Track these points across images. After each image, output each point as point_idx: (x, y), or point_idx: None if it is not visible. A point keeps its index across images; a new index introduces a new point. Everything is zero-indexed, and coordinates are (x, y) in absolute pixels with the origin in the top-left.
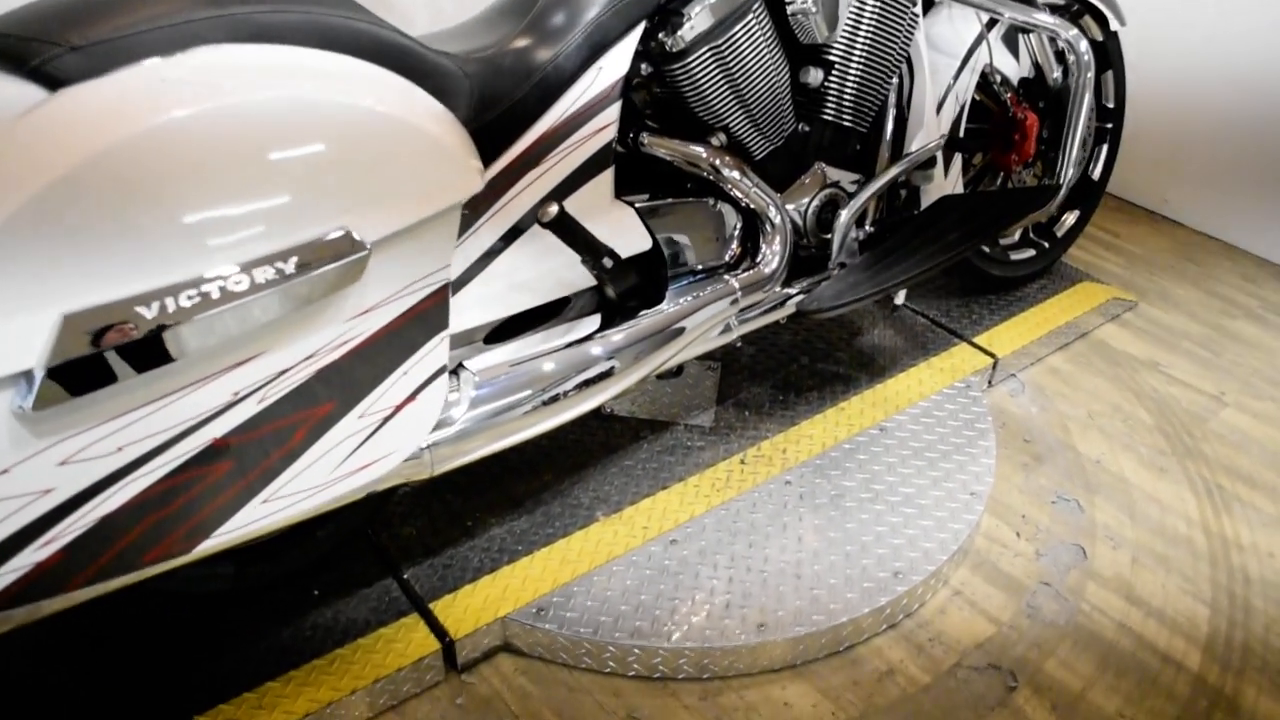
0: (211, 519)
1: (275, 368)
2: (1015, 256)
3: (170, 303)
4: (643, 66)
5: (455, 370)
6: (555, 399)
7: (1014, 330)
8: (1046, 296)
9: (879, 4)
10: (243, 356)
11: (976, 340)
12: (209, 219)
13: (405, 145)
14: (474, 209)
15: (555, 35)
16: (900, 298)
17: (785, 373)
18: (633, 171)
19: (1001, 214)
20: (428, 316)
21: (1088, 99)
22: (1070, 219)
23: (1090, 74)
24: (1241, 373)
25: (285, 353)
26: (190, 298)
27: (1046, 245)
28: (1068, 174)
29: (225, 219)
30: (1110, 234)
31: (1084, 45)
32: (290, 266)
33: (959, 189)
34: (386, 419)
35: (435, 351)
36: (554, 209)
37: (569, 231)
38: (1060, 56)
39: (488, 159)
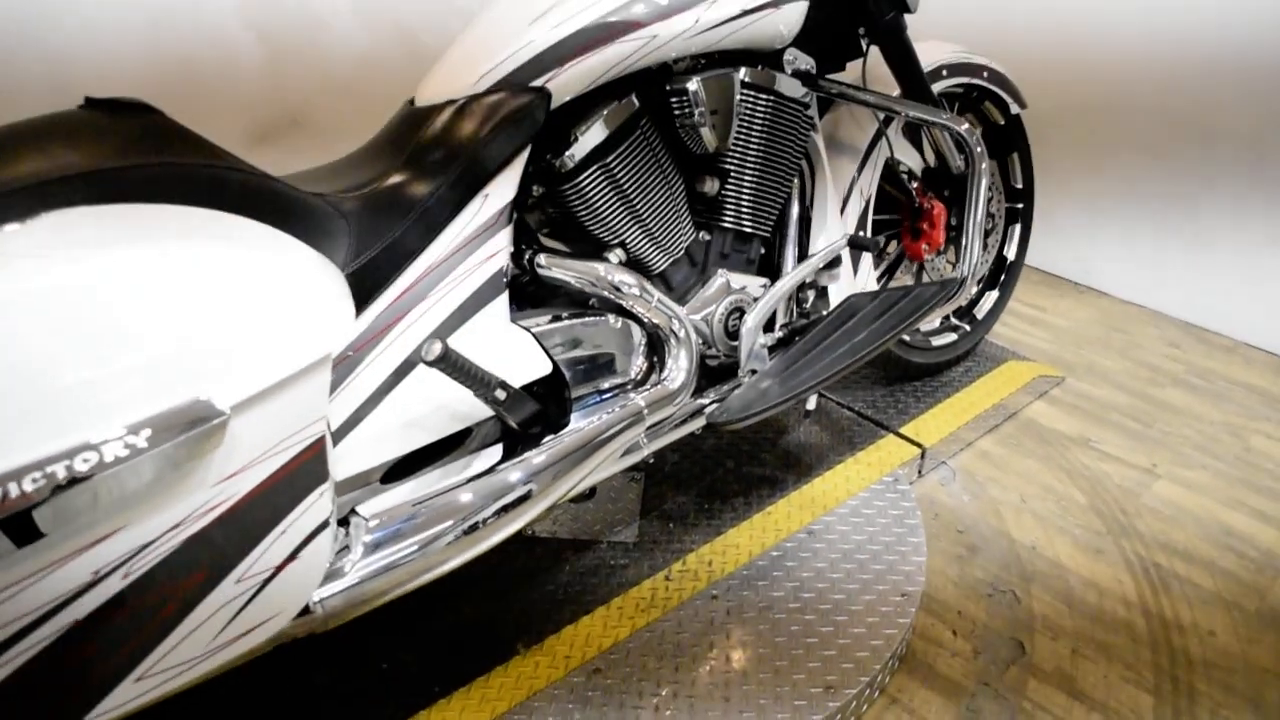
0: (79, 704)
1: (137, 542)
2: (937, 342)
3: (14, 488)
4: (534, 188)
5: (347, 518)
6: (454, 537)
7: (942, 417)
8: (973, 379)
9: (771, 111)
10: (101, 534)
11: (903, 430)
12: (52, 399)
13: (266, 301)
14: (358, 349)
15: (436, 167)
16: (812, 403)
17: (710, 479)
18: (532, 292)
19: (909, 310)
20: (304, 471)
21: (983, 190)
22: (990, 300)
23: (984, 165)
24: (1172, 442)
25: (147, 525)
26: (34, 480)
27: (968, 328)
28: (971, 265)
29: (71, 397)
30: (1036, 308)
31: (975, 138)
32: (142, 440)
33: (871, 284)
34: (266, 581)
35: (316, 506)
36: (438, 346)
37: (456, 367)
38: (960, 145)
39: (369, 298)
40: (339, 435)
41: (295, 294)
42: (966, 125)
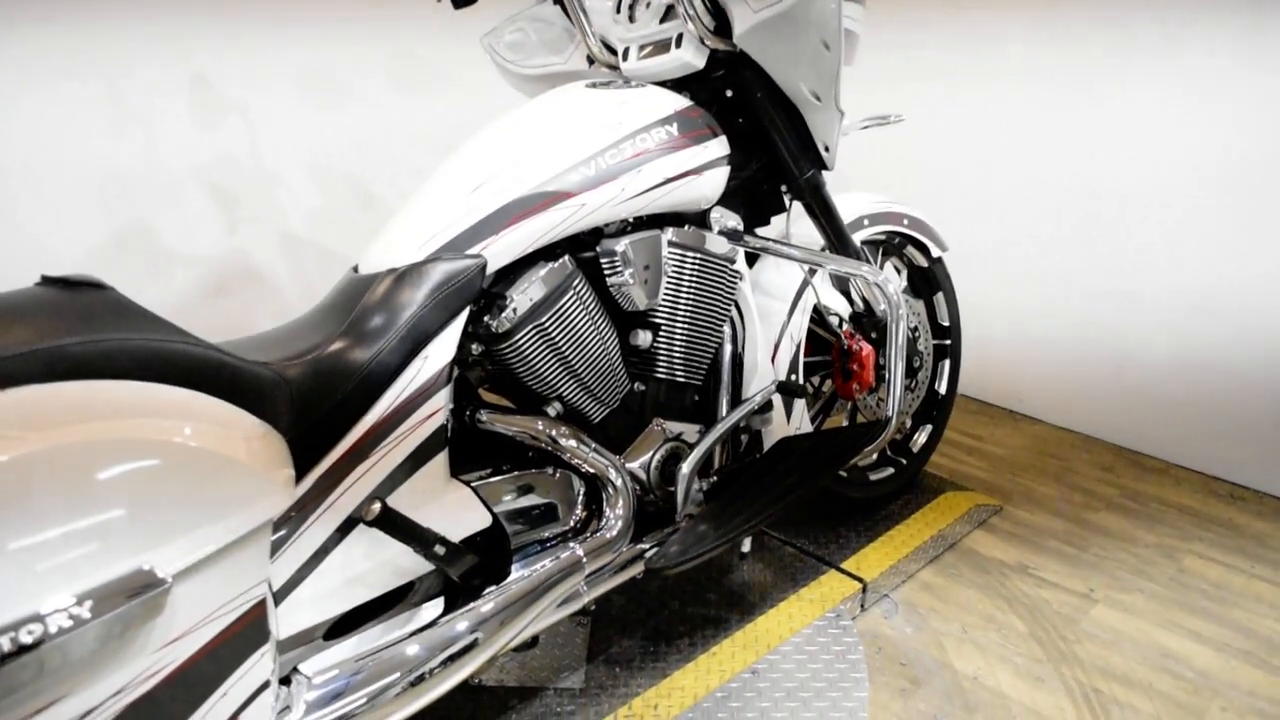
0: None
1: (79, 709)
2: (874, 477)
3: None
4: (473, 347)
5: (289, 677)
6: (398, 691)
7: (883, 550)
8: (912, 511)
9: (698, 268)
10: (43, 703)
11: (845, 565)
12: None
13: (208, 470)
14: (301, 510)
15: (376, 332)
16: (747, 545)
17: (656, 620)
18: (475, 446)
19: (837, 452)
20: (245, 634)
21: (903, 335)
22: (924, 434)
23: (902, 311)
24: (1108, 565)
25: (90, 693)
26: None
27: (904, 461)
28: (895, 407)
29: (16, 569)
30: (972, 438)
31: (892, 287)
32: (86, 610)
33: (805, 425)
34: None
35: (258, 667)
36: (377, 507)
37: (396, 526)
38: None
39: (311, 461)
40: (281, 594)
41: (236, 463)
42: (883, 275)
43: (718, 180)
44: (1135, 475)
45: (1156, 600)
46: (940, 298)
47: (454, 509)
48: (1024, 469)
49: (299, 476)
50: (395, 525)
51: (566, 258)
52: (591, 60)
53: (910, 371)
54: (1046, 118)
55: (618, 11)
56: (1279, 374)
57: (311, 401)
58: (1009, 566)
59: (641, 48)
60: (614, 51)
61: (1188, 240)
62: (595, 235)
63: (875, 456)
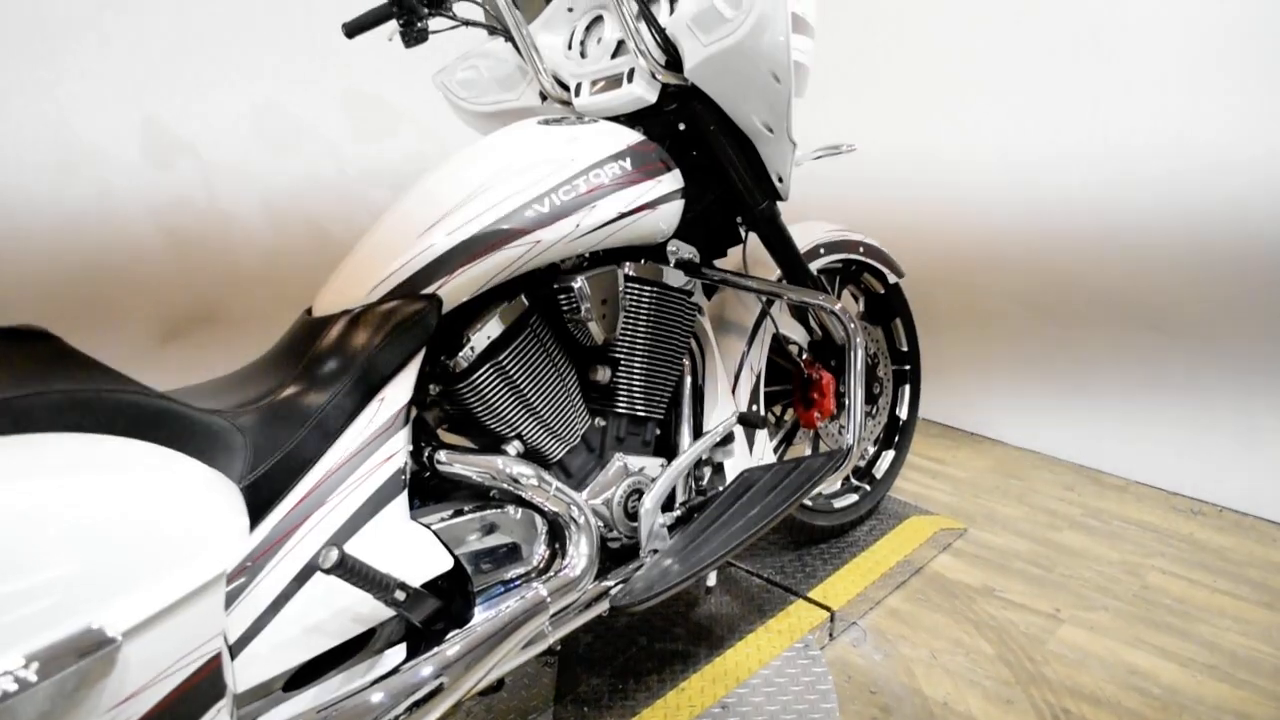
0: None
1: None
2: (839, 504)
3: None
4: (431, 387)
5: None
6: None
7: (849, 577)
8: (877, 537)
9: (655, 301)
10: None
11: (812, 595)
12: None
13: (157, 524)
14: (257, 559)
15: (331, 376)
16: (712, 580)
17: (624, 658)
18: (435, 487)
19: (799, 482)
20: (201, 689)
21: (861, 362)
22: (887, 459)
23: (858, 339)
24: (1073, 585)
25: None
26: None
27: (868, 488)
28: (855, 435)
29: None
30: (935, 461)
31: (848, 316)
32: (33, 673)
33: (768, 455)
34: None
35: None
36: (334, 554)
37: (354, 572)
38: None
39: (267, 508)
40: (238, 646)
41: (187, 514)
42: (840, 305)
43: (672, 214)
44: (1096, 493)
45: (1122, 618)
46: (898, 323)
47: (414, 553)
48: (987, 491)
49: (254, 524)
50: (354, 572)
51: (523, 295)
52: (544, 96)
53: (870, 398)
54: (1003, 135)
55: (569, 48)
56: (1234, 389)
57: (266, 448)
58: (975, 590)
59: (594, 83)
60: (566, 88)
61: (1143, 256)
62: (552, 272)
63: (839, 484)
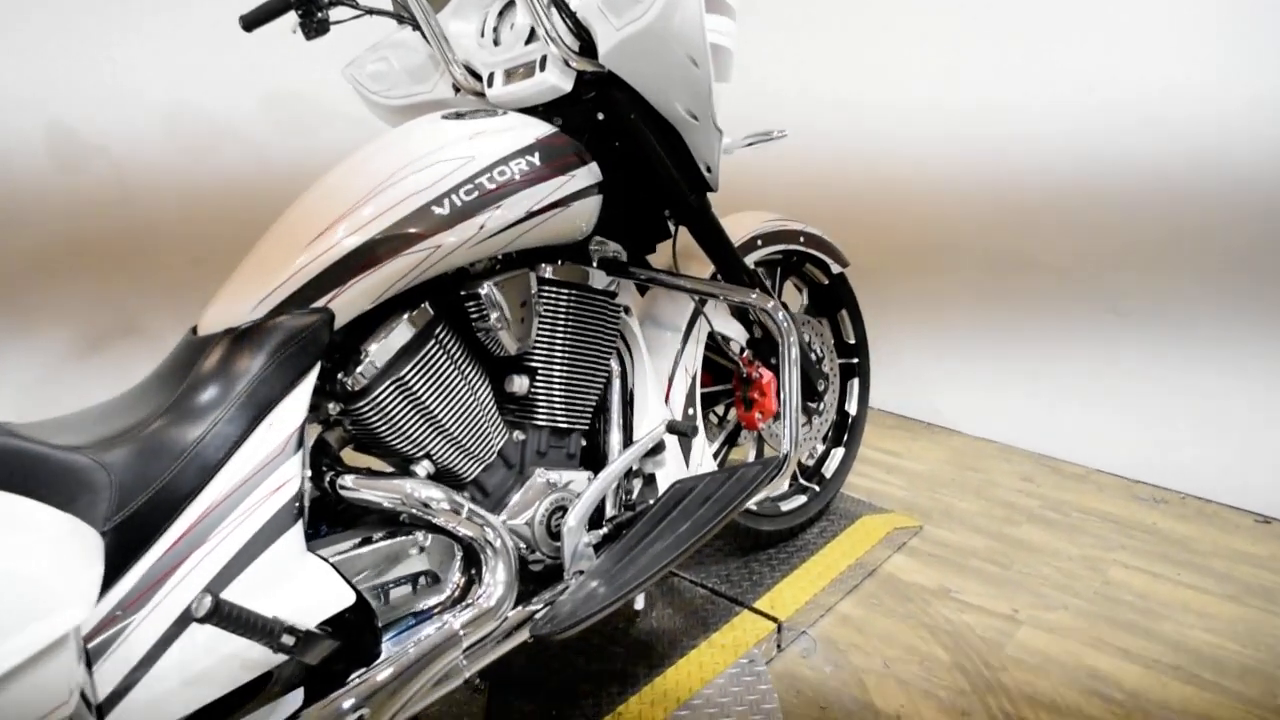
0: None
1: None
2: (786, 506)
3: None
4: (331, 406)
5: None
6: None
7: (798, 584)
8: (828, 539)
9: (574, 304)
10: None
11: (758, 605)
12: None
13: None
14: (129, 607)
15: (212, 402)
16: (640, 603)
17: (559, 680)
18: (337, 515)
19: (734, 493)
20: None
21: (794, 364)
22: (837, 457)
23: (793, 339)
24: (1032, 583)
25: None
26: None
27: (817, 488)
28: (792, 441)
29: None
30: (890, 454)
31: (781, 314)
32: None
33: (707, 462)
34: None
35: None
36: (208, 601)
37: (232, 620)
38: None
39: (137, 552)
40: (110, 703)
41: (30, 569)
42: (773, 303)
43: (589, 210)
44: (1056, 484)
45: (1083, 617)
46: (844, 315)
47: (309, 589)
48: (944, 484)
49: (123, 571)
50: (232, 619)
51: (427, 304)
52: (458, 89)
53: (815, 395)
54: (956, 110)
55: (482, 35)
56: (1196, 372)
57: (134, 487)
58: (930, 591)
59: (508, 73)
60: (480, 78)
61: (1103, 239)
62: (461, 277)
63: (786, 485)
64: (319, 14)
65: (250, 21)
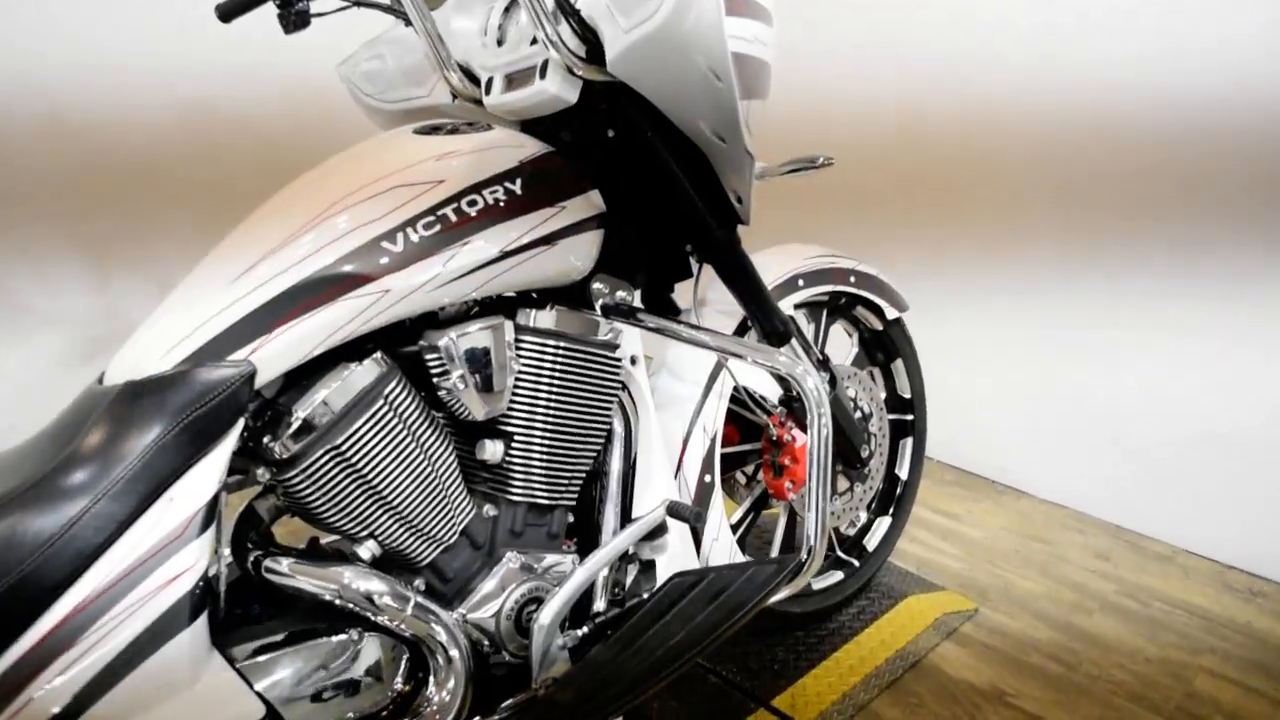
0: None
1: None
2: (819, 585)
3: None
4: (260, 472)
5: None
6: None
7: (826, 679)
8: (866, 622)
9: (560, 359)
10: None
11: (776, 702)
12: None
13: None
14: None
15: (98, 471)
16: None
17: None
18: (264, 602)
19: (742, 597)
20: None
21: (826, 442)
22: (882, 527)
23: (823, 412)
24: (1101, 690)
25: None
26: None
27: (857, 564)
28: (816, 538)
29: None
30: (947, 516)
31: (812, 383)
32: None
33: (724, 536)
34: None
35: None
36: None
37: None
38: (823, 364)
39: None
40: None
41: None
42: (802, 367)
43: (584, 247)
44: (1136, 564)
45: None
46: (899, 365)
47: (209, 702)
48: (1006, 557)
49: None
50: None
51: (379, 354)
52: (457, 94)
53: (858, 461)
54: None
55: (485, 34)
56: None
57: None
58: (981, 693)
59: (509, 78)
60: (478, 82)
61: (1193, 276)
62: (428, 322)
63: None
64: (298, 4)
65: (226, 12)
